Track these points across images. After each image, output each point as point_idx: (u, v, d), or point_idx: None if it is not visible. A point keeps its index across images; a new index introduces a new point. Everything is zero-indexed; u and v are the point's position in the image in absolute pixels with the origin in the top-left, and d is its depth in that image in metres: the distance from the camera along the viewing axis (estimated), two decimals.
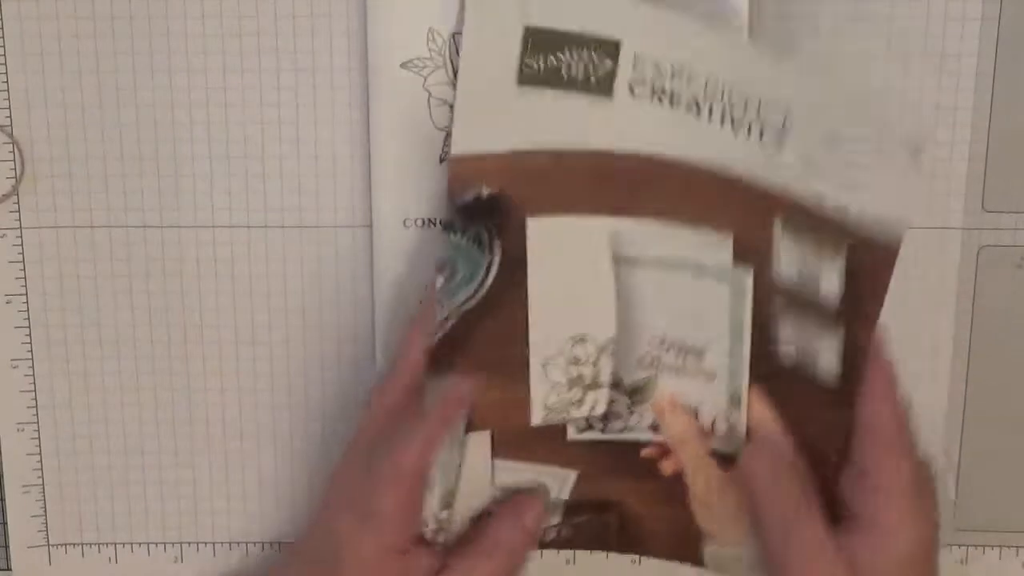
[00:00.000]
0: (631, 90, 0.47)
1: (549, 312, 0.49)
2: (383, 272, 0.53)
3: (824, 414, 0.49)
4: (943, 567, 0.57)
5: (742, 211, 0.48)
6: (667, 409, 0.51)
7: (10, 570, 0.58)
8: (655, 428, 0.52)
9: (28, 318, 0.56)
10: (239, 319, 0.55)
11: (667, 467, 0.52)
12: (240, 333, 0.56)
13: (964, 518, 0.57)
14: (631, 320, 0.50)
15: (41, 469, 0.57)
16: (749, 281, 0.49)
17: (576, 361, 0.50)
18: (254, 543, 0.58)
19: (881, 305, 0.48)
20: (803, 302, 0.49)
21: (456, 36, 0.51)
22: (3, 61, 0.53)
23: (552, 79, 0.47)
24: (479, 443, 0.51)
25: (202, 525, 0.58)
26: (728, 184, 0.48)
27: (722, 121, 0.47)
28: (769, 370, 0.49)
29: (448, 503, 0.51)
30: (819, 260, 0.48)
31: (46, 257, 0.55)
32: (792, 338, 0.49)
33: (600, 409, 0.51)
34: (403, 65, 0.51)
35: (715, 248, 0.49)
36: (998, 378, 0.56)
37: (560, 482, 0.53)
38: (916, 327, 0.56)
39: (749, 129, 0.47)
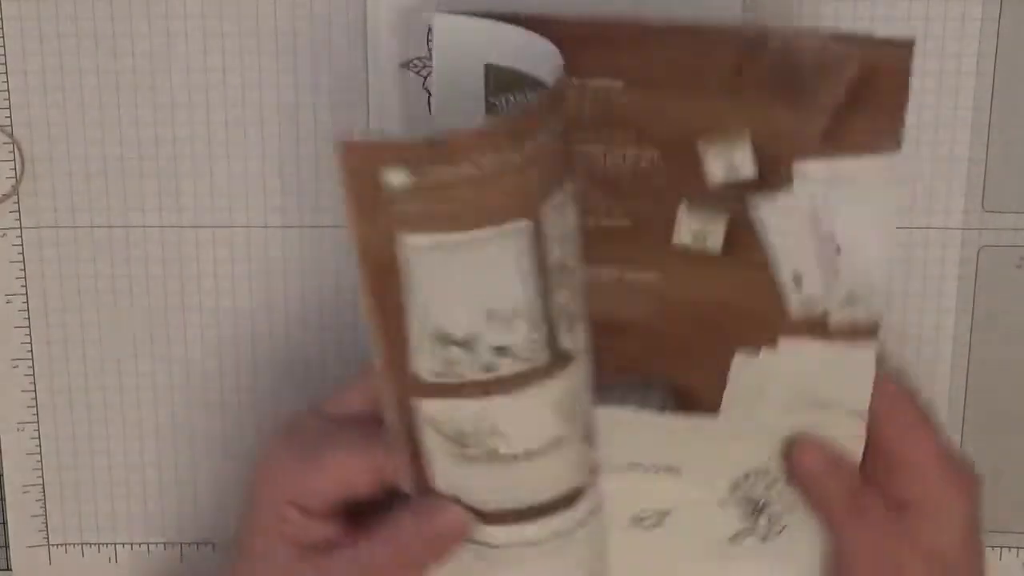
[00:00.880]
0: None
1: None
2: None
3: None
4: None
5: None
6: None
7: (10, 570, 0.58)
8: None
9: (28, 318, 0.56)
10: (239, 319, 0.55)
11: None
12: (240, 333, 0.56)
13: None
14: None
15: (41, 469, 0.57)
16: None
17: None
18: None
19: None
20: None
21: None
22: (3, 61, 0.53)
23: None
24: None
25: (202, 525, 0.58)
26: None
27: None
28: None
29: None
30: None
31: (46, 257, 0.55)
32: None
33: None
34: (403, 65, 0.51)
35: None
36: (998, 378, 0.56)
37: None
38: (916, 327, 0.56)
39: None
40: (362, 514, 0.47)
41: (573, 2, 0.45)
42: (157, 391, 0.56)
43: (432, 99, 0.47)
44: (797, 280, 0.46)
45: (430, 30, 0.50)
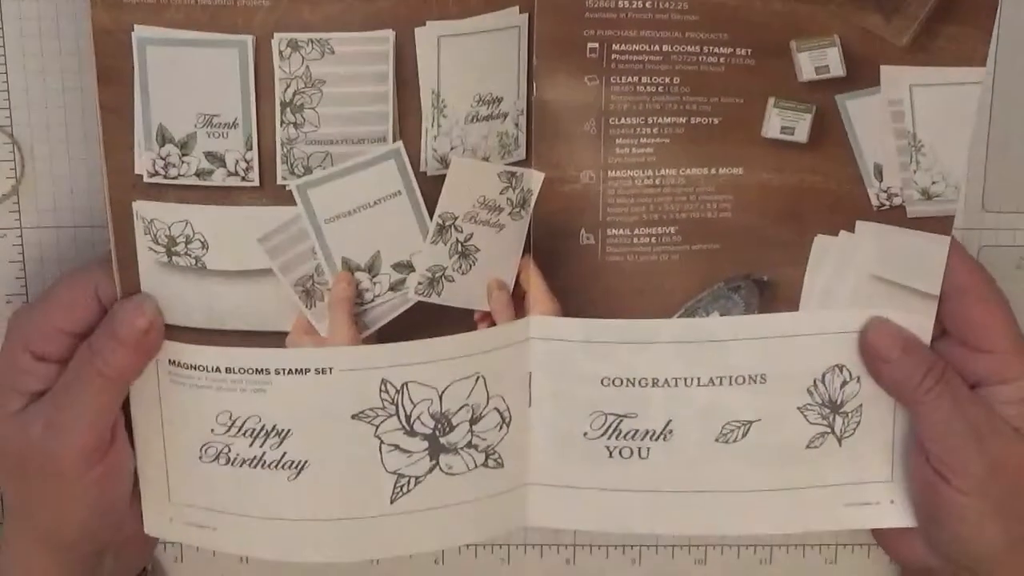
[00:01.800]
0: None
1: None
2: None
3: None
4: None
5: None
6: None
7: None
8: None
9: None
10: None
11: None
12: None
13: None
14: None
15: None
16: None
17: None
18: None
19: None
20: None
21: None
22: (3, 61, 0.53)
23: None
24: None
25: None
26: None
27: None
28: None
29: None
30: None
31: (46, 257, 0.55)
32: None
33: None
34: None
35: None
36: None
37: None
38: None
39: None
40: None
41: None
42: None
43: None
44: (878, 172, 0.48)
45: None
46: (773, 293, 0.50)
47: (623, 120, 0.47)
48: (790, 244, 0.49)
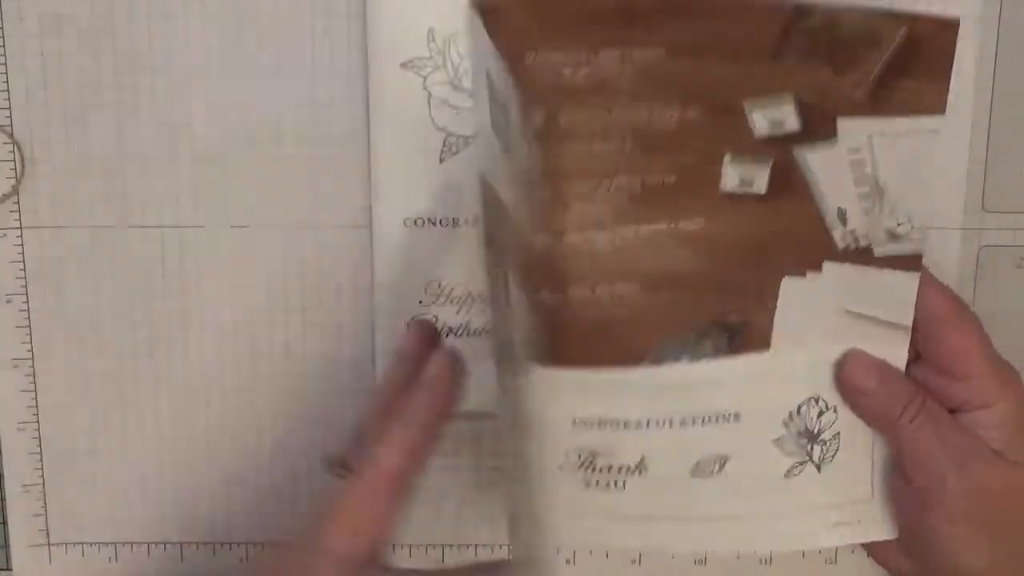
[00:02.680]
0: None
1: None
2: (383, 272, 0.53)
3: None
4: None
5: None
6: None
7: (10, 570, 0.58)
8: None
9: (28, 318, 0.56)
10: (238, 319, 0.55)
11: None
12: (239, 333, 0.56)
13: None
14: None
15: (41, 469, 0.57)
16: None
17: None
18: (254, 543, 0.58)
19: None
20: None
21: (455, 36, 0.51)
22: (3, 61, 0.53)
23: None
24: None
25: (202, 526, 0.58)
26: None
27: None
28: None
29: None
30: None
31: (46, 257, 0.55)
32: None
33: None
34: (403, 65, 0.51)
35: None
36: None
37: None
38: None
39: None
40: None
41: None
42: (157, 391, 0.56)
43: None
44: (842, 216, 0.48)
45: (431, 31, 0.50)
46: (743, 337, 0.49)
47: (577, 184, 0.46)
48: (757, 288, 0.49)
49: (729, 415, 0.49)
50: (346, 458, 0.46)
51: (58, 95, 0.53)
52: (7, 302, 0.55)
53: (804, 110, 0.46)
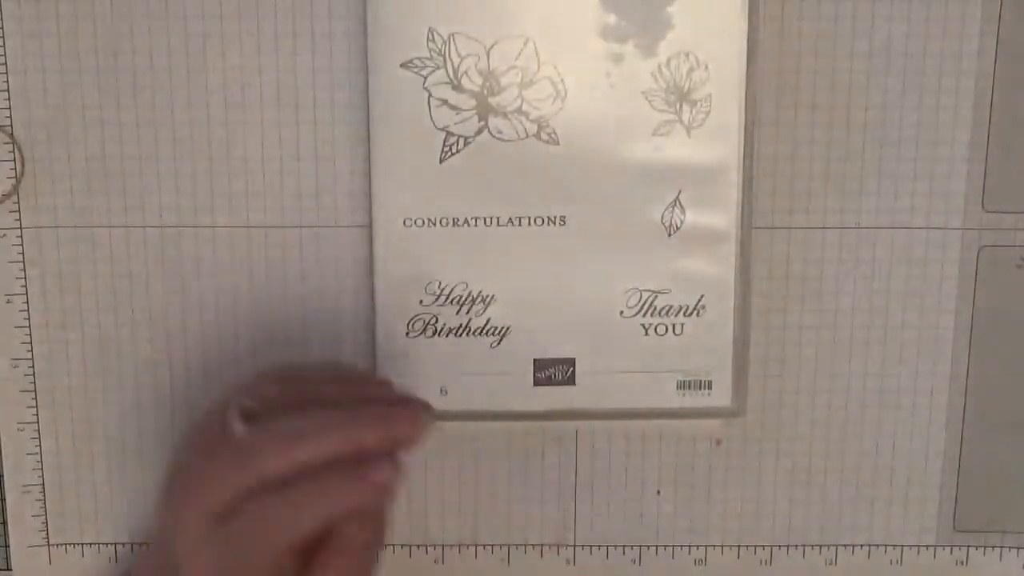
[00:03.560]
0: None
1: None
2: (383, 272, 0.53)
3: None
4: (943, 567, 0.57)
5: None
6: None
7: (10, 570, 0.58)
8: None
9: (28, 318, 0.56)
10: (238, 319, 0.55)
11: None
12: (240, 333, 0.55)
13: (964, 518, 0.57)
14: None
15: (41, 469, 0.57)
16: None
17: None
18: None
19: None
20: None
21: (455, 35, 0.51)
22: (3, 61, 0.53)
23: None
24: None
25: None
26: None
27: None
28: None
29: None
30: None
31: (46, 257, 0.55)
32: None
33: None
34: (403, 65, 0.51)
35: None
36: (998, 378, 0.56)
37: None
38: (916, 327, 0.56)
39: None
40: None
41: None
42: (157, 391, 0.56)
43: None
44: None
45: (430, 31, 0.50)
46: None
47: None
48: None
49: None
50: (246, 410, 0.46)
51: (58, 95, 0.53)
52: (7, 302, 0.55)
53: None
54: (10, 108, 0.53)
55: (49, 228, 0.55)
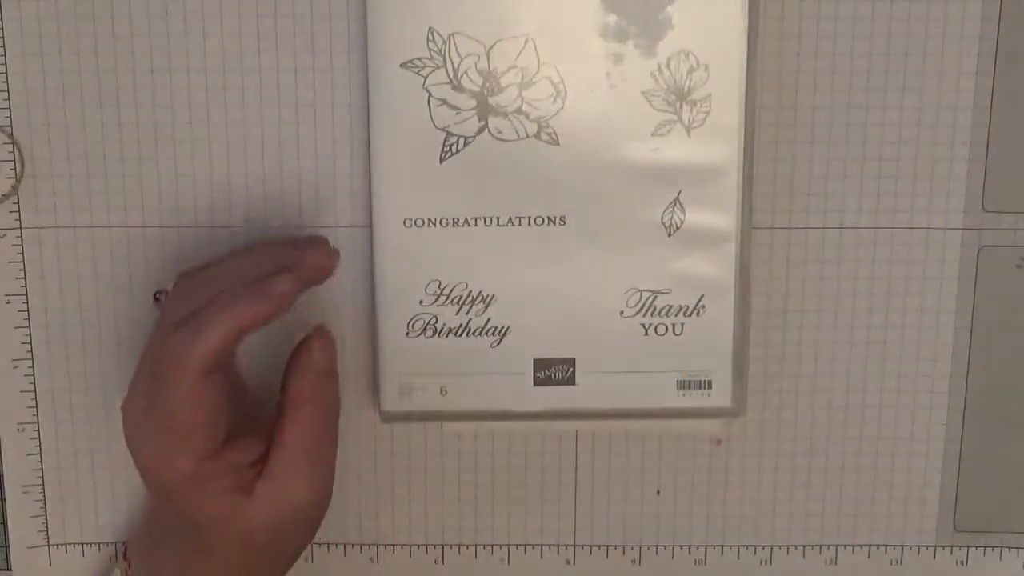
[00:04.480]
0: None
1: None
2: (383, 272, 0.53)
3: None
4: (943, 567, 0.57)
5: None
6: None
7: (10, 570, 0.58)
8: None
9: (28, 318, 0.56)
10: None
11: None
12: None
13: (964, 518, 0.57)
14: None
15: (41, 469, 0.57)
16: None
17: None
18: None
19: None
20: None
21: (455, 35, 0.51)
22: (3, 61, 0.53)
23: None
24: None
25: None
26: None
27: None
28: None
29: None
30: None
31: (46, 257, 0.55)
32: None
33: None
34: (403, 65, 0.51)
35: None
36: (998, 378, 0.56)
37: None
38: (916, 327, 0.56)
39: None
40: None
41: None
42: None
43: None
44: None
45: (431, 31, 0.50)
46: None
47: None
48: None
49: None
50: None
51: (58, 95, 0.53)
52: (7, 302, 0.55)
53: None
54: (10, 108, 0.53)
55: (49, 228, 0.55)
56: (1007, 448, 0.57)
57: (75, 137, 0.54)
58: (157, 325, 0.50)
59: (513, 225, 0.53)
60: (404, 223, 0.53)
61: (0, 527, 0.57)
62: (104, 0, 0.52)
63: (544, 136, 0.52)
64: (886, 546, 0.58)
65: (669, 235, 0.53)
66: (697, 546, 0.58)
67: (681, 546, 0.58)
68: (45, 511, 0.57)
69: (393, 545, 0.58)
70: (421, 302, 0.53)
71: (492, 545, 0.58)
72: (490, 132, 0.52)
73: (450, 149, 0.52)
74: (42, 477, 0.57)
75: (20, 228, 0.55)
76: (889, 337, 0.56)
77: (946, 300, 0.56)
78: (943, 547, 0.58)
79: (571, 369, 0.54)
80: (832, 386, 0.56)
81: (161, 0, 0.52)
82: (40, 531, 0.58)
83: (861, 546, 0.58)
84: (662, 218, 0.52)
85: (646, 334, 0.53)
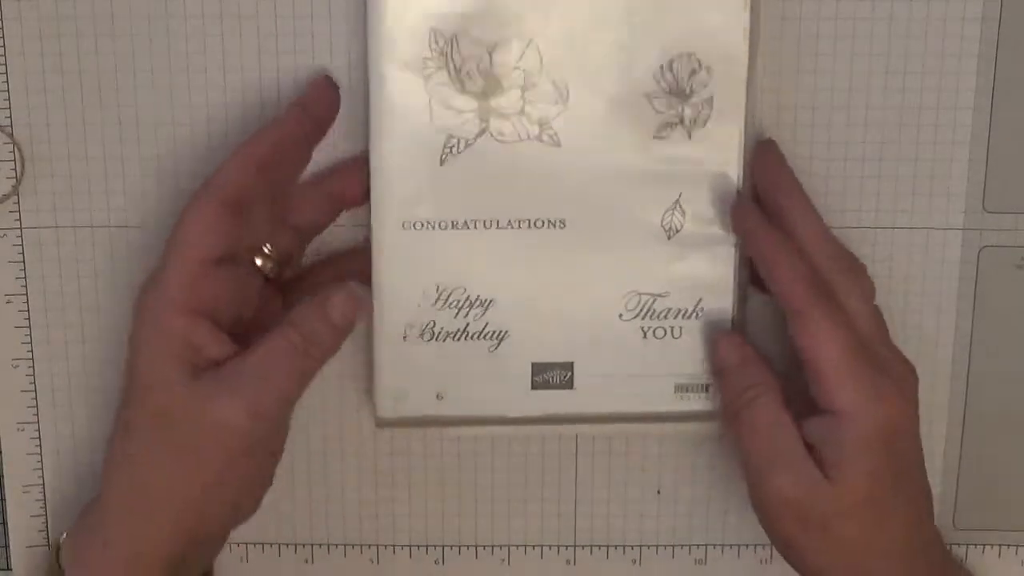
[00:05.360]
0: None
1: None
2: (381, 275, 0.53)
3: None
4: None
5: None
6: None
7: (10, 570, 0.58)
8: None
9: (28, 318, 0.56)
10: None
11: None
12: None
13: (964, 518, 0.58)
14: None
15: (41, 469, 0.57)
16: None
17: None
18: (252, 543, 0.58)
19: None
20: None
21: (457, 37, 0.51)
22: (3, 61, 0.53)
23: None
24: None
25: None
26: None
27: None
28: None
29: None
30: None
31: (46, 257, 0.55)
32: None
33: None
34: (404, 66, 0.51)
35: None
36: (998, 378, 0.56)
37: None
38: (916, 327, 0.56)
39: None
40: None
41: None
42: None
43: None
44: None
45: (433, 31, 0.50)
46: None
47: None
48: None
49: None
50: None
51: (58, 95, 0.53)
52: (7, 302, 0.55)
53: None
54: (10, 108, 0.53)
55: (49, 228, 0.55)
56: (1007, 448, 0.57)
57: (75, 137, 0.54)
58: None
59: (513, 228, 0.52)
60: (403, 225, 0.52)
61: (0, 527, 0.57)
62: (104, 0, 0.52)
63: (545, 138, 0.51)
64: None
65: (669, 238, 0.52)
66: (697, 546, 0.58)
67: (681, 546, 0.58)
68: (45, 511, 0.57)
69: (393, 546, 0.58)
70: (419, 306, 0.53)
71: (492, 545, 0.58)
72: (491, 134, 0.51)
73: (450, 151, 0.51)
74: (42, 477, 0.57)
75: (20, 228, 0.55)
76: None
77: (946, 300, 0.56)
78: None
79: (569, 373, 0.54)
80: None
81: (161, 1, 0.52)
82: (40, 531, 0.58)
83: None
84: (662, 221, 0.52)
85: (645, 337, 0.53)
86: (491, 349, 0.53)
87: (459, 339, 0.53)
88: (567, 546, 0.58)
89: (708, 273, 0.53)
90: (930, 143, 0.54)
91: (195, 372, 0.47)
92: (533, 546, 0.58)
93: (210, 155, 0.54)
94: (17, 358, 0.56)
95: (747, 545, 0.58)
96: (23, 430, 0.57)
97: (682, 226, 0.52)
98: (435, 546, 0.58)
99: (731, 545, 0.58)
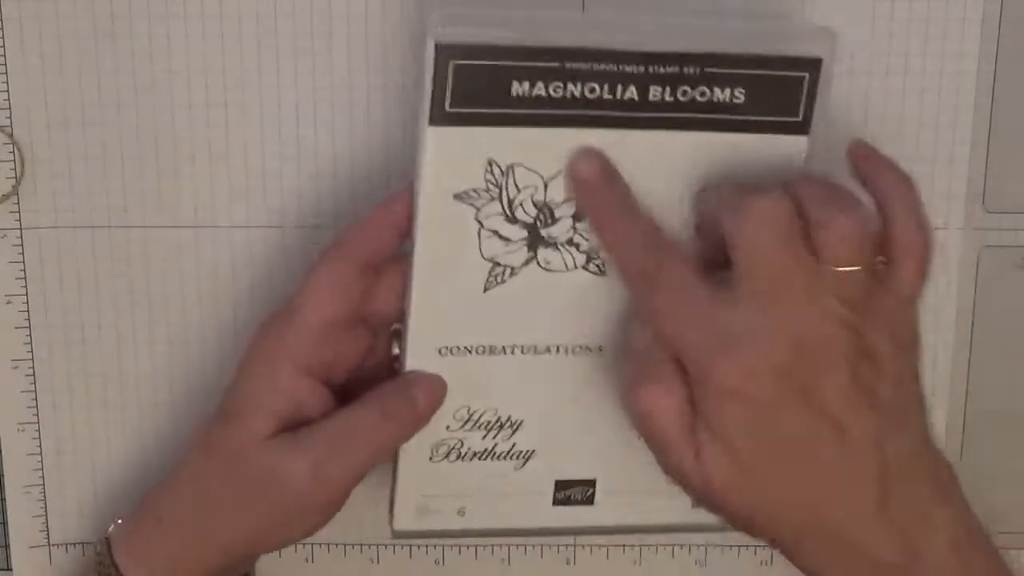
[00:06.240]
0: None
1: None
2: None
3: None
4: None
5: None
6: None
7: (10, 570, 0.58)
8: None
9: (28, 318, 0.56)
10: (239, 319, 0.55)
11: None
12: (240, 333, 0.55)
13: None
14: None
15: (41, 469, 0.57)
16: None
17: None
18: None
19: None
20: None
21: (514, 167, 0.48)
22: (3, 61, 0.53)
23: None
24: None
25: None
26: None
27: None
28: None
29: None
30: None
31: (46, 257, 0.55)
32: None
33: None
34: (456, 197, 0.48)
35: None
36: (998, 378, 0.56)
37: None
38: None
39: None
40: None
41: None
42: (157, 391, 0.56)
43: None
44: None
45: (490, 162, 0.47)
46: None
47: None
48: None
49: None
50: None
51: (58, 95, 0.53)
52: (7, 302, 0.55)
53: None
54: (10, 108, 0.53)
55: (49, 228, 0.55)
56: (1007, 448, 0.57)
57: (75, 137, 0.54)
58: None
59: (550, 353, 0.50)
60: (439, 352, 0.50)
61: (0, 527, 0.57)
62: (104, 0, 0.52)
63: (592, 267, 0.49)
64: None
65: None
66: (697, 546, 0.58)
67: (681, 546, 0.58)
68: (45, 511, 0.57)
69: (393, 545, 0.58)
70: (448, 427, 0.51)
71: (492, 545, 0.58)
72: (538, 263, 0.49)
73: (496, 279, 0.49)
74: (42, 477, 0.57)
75: (20, 228, 0.55)
76: None
77: (946, 300, 0.56)
78: None
79: (591, 490, 0.52)
80: None
81: (161, 1, 0.52)
82: (40, 531, 0.58)
83: None
84: None
85: None
86: (516, 468, 0.52)
87: (485, 459, 0.52)
88: (567, 546, 0.58)
89: None
90: (930, 143, 0.54)
91: (283, 425, 0.48)
92: (533, 546, 0.58)
93: (210, 155, 0.54)
94: (17, 358, 0.56)
95: (747, 545, 0.58)
96: (23, 430, 0.57)
97: None
98: (436, 546, 0.58)
99: (731, 545, 0.58)
